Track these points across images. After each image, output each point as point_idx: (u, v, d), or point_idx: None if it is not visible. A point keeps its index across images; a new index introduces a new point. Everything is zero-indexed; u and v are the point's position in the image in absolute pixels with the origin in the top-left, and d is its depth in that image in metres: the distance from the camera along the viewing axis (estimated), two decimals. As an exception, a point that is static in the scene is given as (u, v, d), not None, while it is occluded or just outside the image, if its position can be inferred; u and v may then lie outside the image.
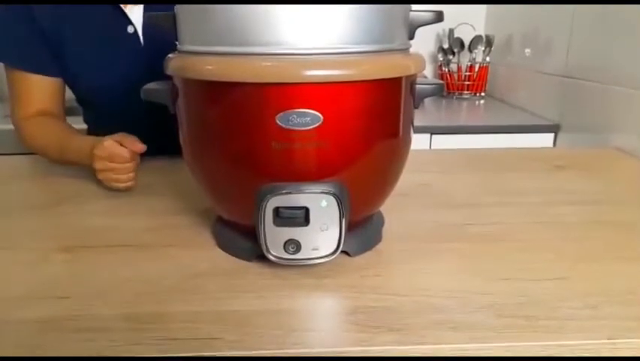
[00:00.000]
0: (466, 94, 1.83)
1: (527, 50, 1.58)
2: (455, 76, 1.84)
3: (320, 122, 0.46)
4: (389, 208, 0.62)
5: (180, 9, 0.50)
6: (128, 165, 0.72)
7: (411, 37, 0.53)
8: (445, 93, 1.85)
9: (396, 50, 0.51)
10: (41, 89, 0.88)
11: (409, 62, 0.50)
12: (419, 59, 0.52)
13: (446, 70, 1.85)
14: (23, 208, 0.73)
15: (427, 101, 1.77)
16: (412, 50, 0.54)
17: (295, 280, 0.52)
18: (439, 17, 0.53)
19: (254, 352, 0.41)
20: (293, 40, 0.45)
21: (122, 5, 0.86)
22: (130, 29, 0.87)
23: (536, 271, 0.53)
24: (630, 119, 1.05)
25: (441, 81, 0.59)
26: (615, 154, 1.04)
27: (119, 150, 0.71)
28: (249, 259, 0.55)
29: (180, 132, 0.55)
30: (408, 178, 0.60)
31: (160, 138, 0.75)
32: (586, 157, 1.01)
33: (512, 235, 0.62)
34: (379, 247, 0.59)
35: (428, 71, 1.97)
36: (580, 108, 1.26)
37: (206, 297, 0.49)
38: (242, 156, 0.49)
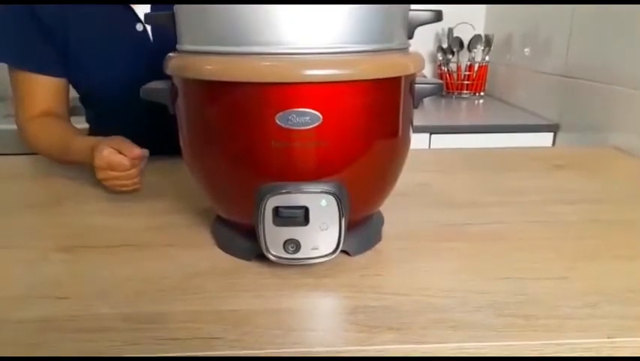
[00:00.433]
0: (466, 93, 1.83)
1: (527, 50, 1.58)
2: (454, 75, 1.84)
3: (319, 122, 0.46)
4: (389, 208, 0.62)
5: (179, 8, 0.50)
6: (130, 171, 0.71)
7: (410, 36, 0.53)
8: (444, 93, 1.85)
9: (396, 49, 0.51)
10: (45, 90, 0.87)
11: (408, 61, 0.50)
12: (418, 59, 0.52)
13: (445, 69, 1.85)
14: (23, 208, 0.73)
15: (426, 100, 1.77)
16: (411, 49, 0.54)
17: (295, 279, 0.52)
18: (438, 17, 0.53)
19: (254, 351, 0.41)
20: (292, 40, 0.45)
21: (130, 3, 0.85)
22: (139, 27, 0.87)
23: (536, 270, 0.53)
24: (629, 118, 1.05)
25: (440, 81, 0.59)
26: (614, 153, 1.04)
27: (118, 159, 0.70)
28: (248, 259, 0.55)
29: (180, 132, 0.55)
30: (407, 178, 0.60)
31: (164, 137, 0.75)
32: (585, 156, 1.01)
33: (512, 234, 0.62)
34: (379, 246, 0.59)
35: (427, 71, 1.97)
36: (579, 108, 1.27)
37: (206, 296, 0.49)
38: (241, 155, 0.49)
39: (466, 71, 1.81)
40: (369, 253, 0.57)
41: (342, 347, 0.42)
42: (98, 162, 0.71)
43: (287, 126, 0.46)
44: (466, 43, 1.81)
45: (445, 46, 1.86)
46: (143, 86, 0.55)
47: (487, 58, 1.79)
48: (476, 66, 1.79)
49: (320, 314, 0.47)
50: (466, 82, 1.82)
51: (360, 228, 0.57)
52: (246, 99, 0.47)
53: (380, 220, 0.62)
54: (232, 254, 0.56)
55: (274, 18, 0.45)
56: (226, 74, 0.46)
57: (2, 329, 0.44)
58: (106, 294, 0.49)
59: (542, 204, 0.72)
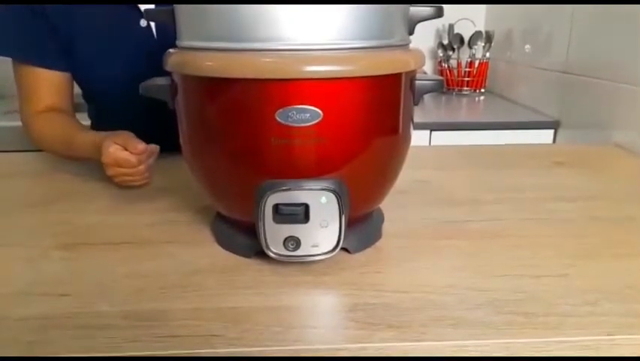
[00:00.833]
0: (466, 90, 1.82)
1: (527, 46, 1.58)
2: (455, 72, 1.83)
3: (320, 119, 0.46)
4: (389, 205, 0.62)
5: (179, 5, 0.50)
6: (138, 168, 0.71)
7: (410, 32, 0.53)
8: (444, 89, 1.85)
9: (396, 45, 0.50)
10: (50, 84, 0.87)
11: (408, 57, 0.50)
12: (419, 55, 0.52)
13: (446, 66, 1.84)
14: (22, 206, 0.73)
15: (426, 97, 1.76)
16: (411, 45, 0.53)
17: (295, 276, 0.52)
18: (438, 13, 0.52)
19: (254, 349, 0.41)
20: (292, 36, 0.45)
21: None
22: (143, 23, 0.87)
23: (535, 267, 0.53)
24: (631, 116, 1.05)
25: (440, 77, 0.59)
26: (615, 151, 1.04)
27: (124, 155, 0.69)
28: (248, 256, 0.55)
29: (179, 129, 0.55)
30: (407, 175, 0.60)
31: (166, 134, 0.75)
32: (585, 154, 1.01)
33: (511, 232, 0.62)
34: (379, 243, 0.59)
35: (428, 67, 1.96)
36: (580, 105, 1.26)
37: (206, 294, 0.49)
38: (242, 152, 0.49)
39: (466, 67, 1.81)
40: (369, 251, 0.57)
41: (342, 345, 0.42)
42: (105, 159, 0.70)
43: (287, 123, 0.46)
44: (466, 39, 1.80)
45: (445, 42, 1.85)
46: (143, 83, 0.55)
47: (487, 54, 1.78)
48: (477, 63, 1.79)
49: (320, 312, 0.47)
50: (466, 79, 1.81)
51: (360, 225, 0.57)
52: (246, 96, 0.46)
53: (380, 218, 0.62)
54: (232, 251, 0.56)
55: (274, 14, 0.44)
56: (226, 70, 0.46)
57: (3, 326, 0.44)
58: (106, 291, 0.49)
59: (542, 202, 0.72)
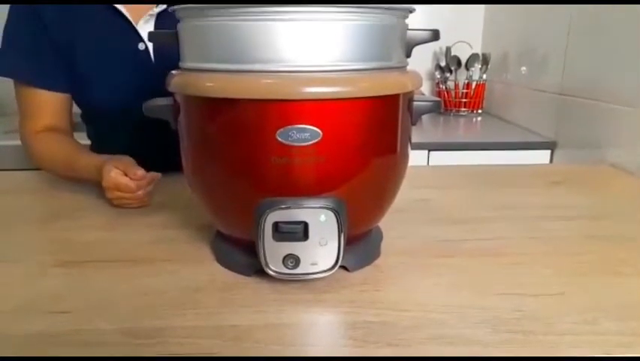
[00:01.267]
0: (464, 111, 1.85)
1: (523, 68, 1.61)
2: (452, 93, 1.86)
3: (319, 138, 0.47)
4: (388, 223, 0.62)
5: (182, 27, 0.51)
6: (137, 193, 0.73)
7: (408, 55, 0.54)
8: (442, 110, 1.87)
9: (394, 67, 0.52)
10: (50, 105, 0.89)
11: (405, 79, 0.51)
12: (416, 77, 0.53)
13: (443, 87, 1.87)
14: (22, 223, 0.73)
15: (424, 118, 1.78)
16: (409, 67, 0.55)
17: (294, 294, 0.52)
18: (435, 36, 0.54)
19: (253, 367, 0.41)
20: (292, 58, 0.46)
21: (133, 22, 0.87)
22: (141, 46, 0.89)
23: (534, 285, 0.53)
24: (625, 136, 1.06)
25: (438, 98, 0.60)
26: (610, 170, 1.05)
27: (124, 181, 0.72)
28: (248, 274, 0.55)
29: (181, 148, 0.56)
30: (406, 194, 0.61)
31: (164, 155, 0.76)
32: (582, 173, 1.02)
33: (510, 250, 0.62)
34: (378, 262, 0.59)
35: (426, 89, 1.99)
36: (576, 125, 1.28)
37: (206, 312, 0.49)
38: (242, 171, 0.50)
39: (463, 89, 1.83)
40: (368, 269, 0.57)
41: (341, 363, 0.42)
42: (106, 183, 0.73)
43: (287, 142, 0.47)
44: (463, 61, 1.83)
45: (443, 64, 1.88)
46: (146, 102, 0.56)
47: (484, 76, 1.81)
48: (474, 84, 1.82)
49: (319, 330, 0.47)
50: (464, 100, 1.84)
51: (359, 243, 0.57)
52: (247, 116, 0.47)
53: (379, 236, 0.63)
54: (232, 270, 0.57)
55: (275, 36, 0.46)
56: (227, 91, 0.47)
57: (2, 343, 0.44)
58: (105, 309, 0.49)
59: (540, 221, 0.72)
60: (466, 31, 1.88)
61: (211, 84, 0.48)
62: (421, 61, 1.96)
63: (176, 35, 0.52)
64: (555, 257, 0.61)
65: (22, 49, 0.86)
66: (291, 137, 0.47)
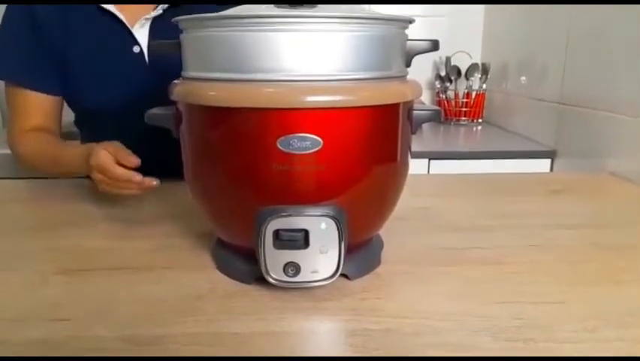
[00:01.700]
0: (464, 120, 1.85)
1: (523, 78, 1.61)
2: (452, 103, 1.87)
3: (320, 147, 0.47)
4: (388, 232, 0.62)
5: (185, 37, 0.52)
6: (125, 183, 0.69)
7: (408, 64, 0.55)
8: (442, 119, 1.87)
9: (394, 77, 0.52)
10: (41, 107, 0.89)
11: (405, 88, 0.52)
12: (416, 86, 0.53)
13: (444, 97, 1.88)
14: (22, 231, 0.74)
15: (425, 127, 1.79)
16: (410, 77, 0.55)
17: (295, 302, 0.52)
18: (434, 46, 0.54)
19: (253, 374, 0.41)
20: (294, 68, 0.47)
21: (128, 25, 0.88)
22: (136, 49, 0.89)
23: (534, 294, 0.53)
24: (625, 145, 1.06)
25: (437, 107, 0.60)
26: (610, 179, 1.05)
27: (110, 167, 0.68)
28: (248, 282, 0.55)
29: (183, 155, 0.56)
30: (406, 202, 0.61)
31: (158, 158, 0.76)
32: (582, 182, 1.02)
33: (510, 258, 0.62)
34: (378, 270, 0.59)
35: (426, 98, 2.00)
36: (576, 134, 1.28)
37: (206, 319, 0.49)
38: (243, 179, 0.50)
39: (463, 98, 1.84)
40: (368, 277, 0.57)
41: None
42: (93, 161, 0.69)
43: (288, 151, 0.47)
44: (463, 71, 1.84)
45: (443, 74, 1.90)
46: (148, 111, 0.57)
47: (484, 86, 1.82)
48: (474, 94, 1.82)
49: (320, 337, 0.48)
50: (464, 109, 1.84)
51: (360, 251, 0.57)
52: (249, 124, 0.48)
53: (379, 244, 0.63)
54: (232, 277, 0.57)
55: (276, 46, 0.46)
56: (229, 99, 0.47)
57: (2, 350, 0.44)
58: (105, 316, 0.49)
59: (541, 229, 0.72)
60: (465, 41, 1.89)
61: (213, 93, 0.48)
62: (422, 70, 1.98)
63: (178, 45, 0.53)
64: (555, 265, 0.61)
65: (15, 51, 0.87)
66: (292, 145, 0.47)
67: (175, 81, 0.53)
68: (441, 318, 0.49)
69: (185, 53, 0.52)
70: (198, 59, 0.51)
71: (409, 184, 0.59)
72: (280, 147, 0.47)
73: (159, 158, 0.75)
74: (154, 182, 0.68)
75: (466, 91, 1.83)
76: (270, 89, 0.46)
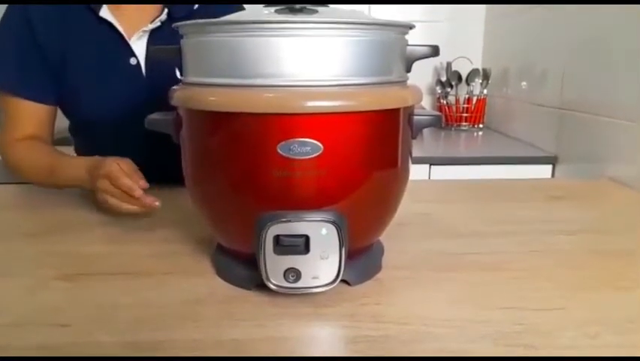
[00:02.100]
0: (465, 125, 1.86)
1: (523, 83, 1.62)
2: (453, 108, 1.87)
3: (320, 152, 0.47)
4: (389, 237, 0.62)
5: (185, 43, 0.52)
6: (128, 197, 0.69)
7: (408, 70, 0.55)
8: (443, 125, 1.88)
9: (394, 82, 0.52)
10: (35, 116, 0.89)
11: (406, 93, 0.52)
12: (416, 91, 0.54)
13: (444, 102, 1.88)
14: (22, 236, 0.73)
15: (426, 132, 1.79)
16: (411, 82, 0.55)
17: (295, 308, 0.52)
18: (434, 52, 0.55)
19: (253, 380, 0.41)
20: (294, 73, 0.47)
21: (126, 37, 0.88)
22: (133, 61, 0.89)
23: (535, 300, 0.53)
24: (625, 150, 1.06)
25: (438, 112, 0.60)
26: (610, 184, 1.05)
27: (119, 175, 0.68)
28: (248, 288, 0.55)
29: (183, 161, 0.57)
30: (407, 208, 0.61)
31: (155, 165, 0.76)
32: (582, 188, 1.02)
33: (511, 264, 0.62)
34: (379, 275, 0.59)
35: (427, 103, 2.00)
36: (577, 140, 1.28)
37: (206, 325, 0.49)
38: (244, 184, 0.50)
39: (464, 103, 1.84)
40: (369, 283, 0.57)
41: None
42: (103, 171, 0.69)
43: (288, 156, 0.47)
44: (464, 76, 1.85)
45: (443, 79, 1.90)
46: (148, 117, 0.57)
47: (485, 91, 1.82)
48: (474, 99, 1.83)
49: (320, 344, 0.47)
50: (464, 114, 1.85)
51: (360, 257, 0.57)
52: (249, 129, 0.48)
53: (380, 250, 0.63)
54: (232, 283, 0.57)
55: (276, 52, 0.46)
56: (230, 104, 0.47)
57: (2, 355, 0.44)
58: (106, 321, 0.49)
59: (542, 235, 0.72)
60: (466, 46, 1.90)
61: (213, 98, 0.48)
62: (422, 76, 1.98)
63: (178, 51, 0.53)
64: (556, 271, 0.60)
65: (11, 59, 0.87)
66: (293, 150, 0.47)
67: (175, 87, 0.54)
68: (441, 324, 0.49)
69: (185, 59, 0.53)
70: (198, 64, 0.51)
71: (410, 190, 0.59)
72: (280, 152, 0.47)
73: (157, 165, 0.75)
74: (156, 202, 0.69)
75: (466, 96, 1.84)
76: (271, 95, 0.47)
